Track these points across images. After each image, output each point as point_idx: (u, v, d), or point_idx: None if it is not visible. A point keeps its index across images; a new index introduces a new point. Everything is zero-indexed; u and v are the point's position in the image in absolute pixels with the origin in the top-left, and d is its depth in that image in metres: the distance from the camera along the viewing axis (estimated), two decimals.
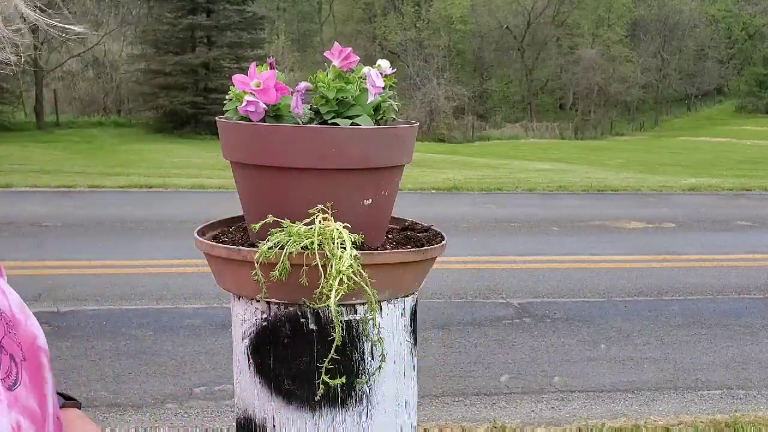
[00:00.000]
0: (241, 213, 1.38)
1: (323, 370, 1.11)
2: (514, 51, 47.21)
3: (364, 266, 1.10)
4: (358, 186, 1.22)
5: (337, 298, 1.07)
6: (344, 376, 1.15)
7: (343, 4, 50.39)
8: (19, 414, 0.76)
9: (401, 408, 1.24)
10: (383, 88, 1.24)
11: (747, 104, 50.40)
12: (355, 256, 1.09)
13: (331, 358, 1.11)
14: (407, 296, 1.25)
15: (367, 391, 1.18)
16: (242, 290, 1.19)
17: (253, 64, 1.21)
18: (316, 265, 1.08)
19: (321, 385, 1.11)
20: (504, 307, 5.63)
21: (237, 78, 1.21)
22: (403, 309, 1.24)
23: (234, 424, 1.28)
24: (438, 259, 1.33)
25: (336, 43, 1.24)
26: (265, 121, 1.21)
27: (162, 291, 5.74)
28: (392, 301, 1.21)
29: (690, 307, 5.72)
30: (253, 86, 1.19)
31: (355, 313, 1.16)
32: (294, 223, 1.13)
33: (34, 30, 0.75)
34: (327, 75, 1.23)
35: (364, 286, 1.09)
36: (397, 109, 1.31)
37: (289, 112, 1.23)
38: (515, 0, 45.17)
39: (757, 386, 4.32)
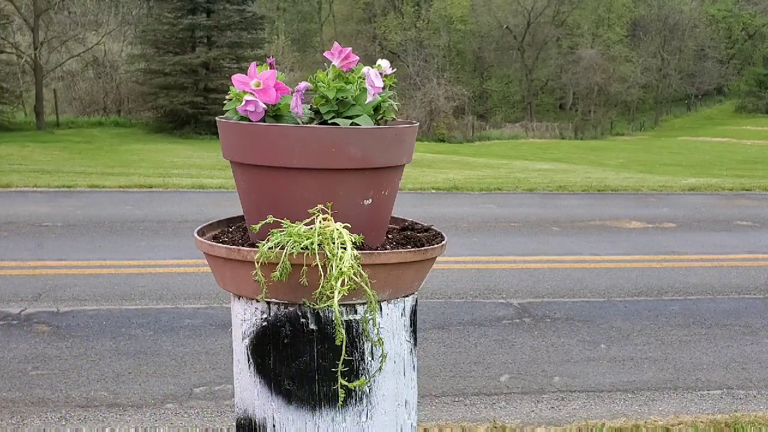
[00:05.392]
0: (241, 213, 1.38)
1: (338, 374, 1.11)
2: (514, 51, 47.20)
3: (364, 266, 1.10)
4: (358, 186, 1.22)
5: (338, 298, 1.07)
6: (349, 377, 1.15)
7: (343, 4, 50.36)
8: None
9: (401, 408, 1.24)
10: (383, 87, 1.24)
11: (747, 104, 50.33)
12: (356, 256, 1.09)
13: (344, 360, 1.11)
14: (407, 296, 1.25)
15: (367, 391, 1.18)
16: (242, 290, 1.19)
17: (253, 64, 1.21)
18: (316, 265, 1.08)
19: (341, 390, 1.11)
20: (504, 307, 5.63)
21: (237, 78, 1.21)
22: (403, 309, 1.24)
23: (234, 424, 1.28)
24: (438, 259, 1.33)
25: (336, 43, 1.24)
26: (264, 121, 1.21)
27: (162, 291, 5.74)
28: (392, 301, 1.21)
29: (690, 307, 5.72)
30: (253, 86, 1.19)
31: (355, 313, 1.16)
32: (294, 223, 1.13)
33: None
34: (327, 75, 1.23)
35: (364, 286, 1.09)
36: (396, 109, 1.31)
37: (289, 112, 1.23)
38: (515, 0, 45.16)
39: (757, 386, 4.32)
